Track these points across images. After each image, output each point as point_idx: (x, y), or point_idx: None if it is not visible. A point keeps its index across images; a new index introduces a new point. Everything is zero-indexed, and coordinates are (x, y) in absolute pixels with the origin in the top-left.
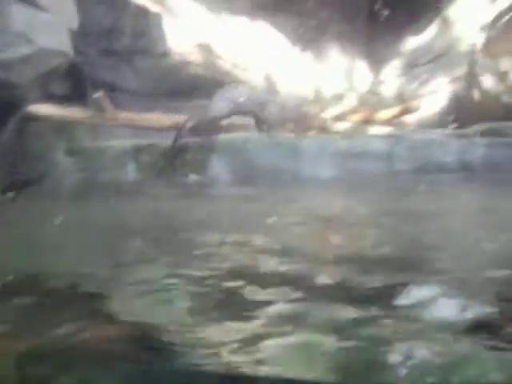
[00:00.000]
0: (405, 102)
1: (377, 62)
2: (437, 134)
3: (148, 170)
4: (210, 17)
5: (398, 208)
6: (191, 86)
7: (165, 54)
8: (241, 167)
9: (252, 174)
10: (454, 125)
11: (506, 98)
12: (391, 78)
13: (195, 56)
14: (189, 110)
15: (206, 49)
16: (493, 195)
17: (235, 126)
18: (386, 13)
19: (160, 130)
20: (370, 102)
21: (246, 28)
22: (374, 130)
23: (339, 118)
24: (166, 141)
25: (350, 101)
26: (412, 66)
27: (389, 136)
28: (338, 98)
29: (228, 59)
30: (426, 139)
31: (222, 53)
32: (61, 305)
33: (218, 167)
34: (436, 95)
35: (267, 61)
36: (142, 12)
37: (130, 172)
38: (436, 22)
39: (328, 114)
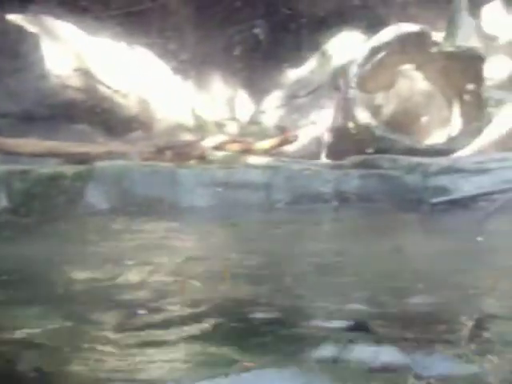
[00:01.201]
0: (284, 133)
1: (258, 92)
2: (314, 164)
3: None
4: (90, 41)
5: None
6: (69, 110)
7: (42, 76)
8: (118, 196)
9: (129, 203)
10: (331, 156)
11: (378, 132)
12: (272, 108)
13: (74, 80)
14: (67, 135)
15: (85, 73)
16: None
17: (114, 153)
18: (267, 45)
19: (33, 156)
20: (251, 132)
21: (127, 54)
22: (253, 159)
23: (219, 147)
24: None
25: (231, 130)
26: (292, 97)
27: (267, 166)
28: (219, 126)
29: (108, 85)
30: (303, 170)
31: (102, 78)
32: None
33: (95, 196)
34: (314, 126)
35: (148, 88)
36: (18, 32)
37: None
38: (315, 55)
39: (208, 142)
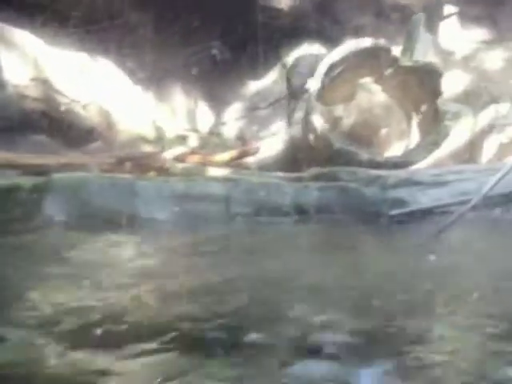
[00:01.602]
0: (245, 144)
1: (219, 103)
2: (274, 176)
3: None
4: (49, 50)
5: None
6: (27, 120)
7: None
8: (76, 208)
9: (88, 215)
10: (291, 169)
11: (337, 144)
12: (233, 119)
13: (32, 90)
14: (24, 146)
15: (44, 83)
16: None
17: (73, 165)
18: (227, 56)
19: None
20: (212, 143)
21: (88, 64)
22: (214, 171)
23: (179, 159)
24: None
25: (192, 141)
26: (253, 108)
27: (227, 179)
28: (180, 138)
29: (68, 95)
30: (262, 182)
31: (62, 88)
32: None
33: (53, 208)
34: (275, 138)
35: (108, 99)
36: None
37: None
38: (276, 67)
39: (168, 154)
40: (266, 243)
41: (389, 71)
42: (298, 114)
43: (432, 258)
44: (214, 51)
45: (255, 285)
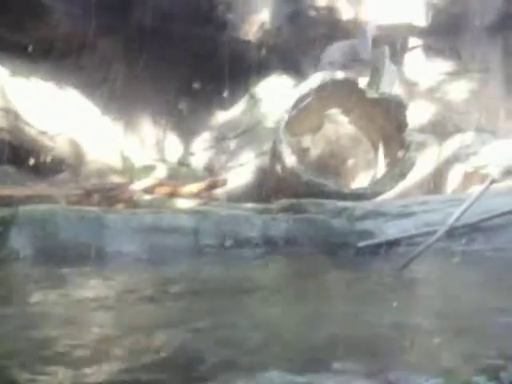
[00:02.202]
0: (214, 175)
1: (187, 133)
2: (243, 208)
3: None
4: (16, 80)
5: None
6: None
7: None
8: (43, 241)
9: (54, 249)
10: (259, 200)
11: (305, 176)
12: (201, 150)
13: None
14: None
15: (10, 113)
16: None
17: (39, 196)
18: (196, 86)
19: None
20: (180, 174)
21: (56, 95)
22: (182, 203)
23: (148, 190)
24: None
25: (160, 172)
26: (221, 139)
27: (195, 211)
28: (148, 169)
29: (35, 126)
30: (231, 214)
31: (28, 118)
32: None
33: (19, 241)
34: (243, 169)
35: (76, 129)
36: None
37: None
38: (244, 98)
39: (137, 186)
40: (231, 278)
41: (355, 103)
42: (267, 145)
43: (394, 304)
44: (182, 105)
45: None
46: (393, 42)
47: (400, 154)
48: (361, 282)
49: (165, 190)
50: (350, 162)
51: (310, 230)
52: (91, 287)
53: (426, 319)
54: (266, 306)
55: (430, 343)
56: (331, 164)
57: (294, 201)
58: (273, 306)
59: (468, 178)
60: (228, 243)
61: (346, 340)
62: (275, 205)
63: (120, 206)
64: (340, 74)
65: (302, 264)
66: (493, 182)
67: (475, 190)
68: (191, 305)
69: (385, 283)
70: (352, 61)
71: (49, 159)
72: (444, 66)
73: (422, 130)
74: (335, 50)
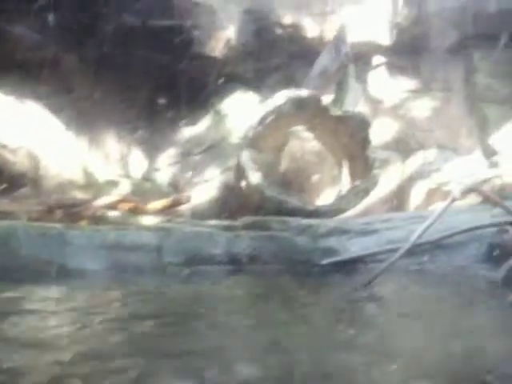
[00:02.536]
0: (179, 191)
1: (152, 149)
2: (206, 225)
3: None
4: None
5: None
6: None
7: None
8: (3, 259)
9: (15, 266)
10: (224, 216)
11: (269, 193)
12: (166, 165)
13: None
14: None
15: None
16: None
17: (1, 212)
18: (161, 102)
19: None
20: (145, 190)
21: (17, 109)
22: (146, 220)
23: (111, 206)
24: None
25: (124, 188)
26: (186, 154)
27: (159, 228)
28: (112, 184)
29: None
30: (195, 232)
31: None
32: None
33: None
34: (208, 185)
35: (38, 143)
36: None
37: None
38: (210, 114)
39: (100, 202)
40: (191, 298)
41: (320, 120)
42: (232, 161)
43: (351, 331)
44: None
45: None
46: (357, 60)
47: (364, 171)
48: (320, 302)
49: (128, 206)
50: (315, 178)
51: (274, 248)
52: (49, 309)
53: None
54: (215, 333)
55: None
56: (296, 180)
57: (257, 218)
58: (220, 334)
59: (431, 195)
60: (191, 261)
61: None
62: (239, 222)
63: (83, 223)
64: (304, 92)
65: (264, 283)
66: (454, 200)
67: (438, 206)
68: (151, 329)
69: (344, 304)
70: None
71: (9, 173)
72: (407, 84)
73: (385, 146)
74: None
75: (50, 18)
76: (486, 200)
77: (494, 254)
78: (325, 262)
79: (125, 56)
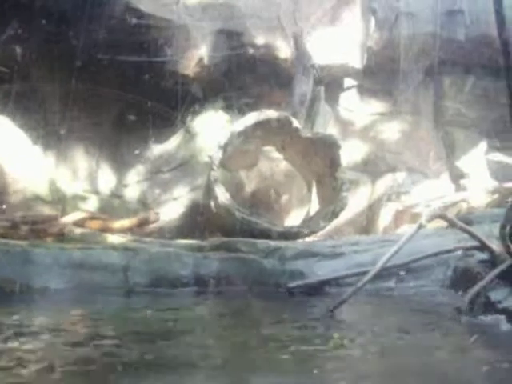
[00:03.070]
0: (147, 208)
1: (121, 165)
2: (174, 245)
3: None
4: None
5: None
6: None
7: None
8: None
9: None
10: (192, 235)
11: (238, 214)
12: (135, 182)
13: None
14: None
15: None
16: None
17: None
18: (132, 119)
19: None
20: (113, 206)
21: None
22: (113, 238)
23: (78, 223)
24: None
25: (92, 204)
26: (156, 172)
27: (126, 248)
28: (80, 200)
29: None
30: (162, 252)
31: None
32: None
33: None
34: (177, 203)
35: (4, 158)
36: None
37: None
38: (180, 132)
39: (67, 219)
40: (154, 320)
41: (290, 141)
42: (201, 179)
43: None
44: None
45: None
46: (328, 82)
47: (333, 192)
48: (281, 326)
49: (96, 224)
50: (284, 198)
51: (242, 270)
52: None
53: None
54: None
55: None
56: (265, 200)
57: (225, 239)
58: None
59: (399, 217)
60: (158, 282)
61: None
62: (207, 242)
63: (49, 240)
64: (274, 113)
65: (228, 306)
66: (420, 227)
67: (405, 231)
68: (111, 354)
69: (307, 331)
70: None
71: None
72: (377, 106)
73: (354, 168)
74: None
75: (18, 49)
76: (452, 226)
77: (460, 278)
78: (292, 285)
79: (97, 70)
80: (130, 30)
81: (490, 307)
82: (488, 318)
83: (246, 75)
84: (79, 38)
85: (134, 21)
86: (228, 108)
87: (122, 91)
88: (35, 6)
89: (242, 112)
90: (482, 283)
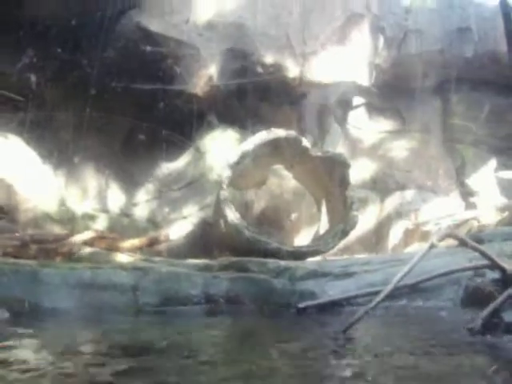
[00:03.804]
0: (156, 226)
1: (131, 184)
2: (183, 265)
3: None
4: None
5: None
6: None
7: None
8: None
9: None
10: (202, 252)
11: (248, 233)
12: (144, 201)
13: None
14: None
15: None
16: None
17: None
18: (141, 138)
19: None
20: (122, 224)
21: None
22: (122, 258)
23: (88, 243)
24: None
25: (102, 222)
26: (165, 190)
27: (135, 267)
28: (89, 218)
29: None
30: (172, 272)
31: None
32: None
33: None
34: (186, 221)
35: (15, 176)
36: None
37: None
38: (190, 150)
39: (77, 238)
40: (166, 342)
41: (299, 160)
42: (211, 198)
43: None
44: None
45: None
46: (338, 100)
47: (343, 211)
48: (290, 347)
49: (105, 243)
50: (294, 216)
51: (252, 290)
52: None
53: None
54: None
55: None
56: (274, 218)
57: (235, 259)
58: None
59: (409, 235)
60: (168, 302)
61: None
62: (216, 262)
63: (58, 259)
64: (283, 132)
65: (238, 324)
66: (432, 246)
67: (416, 248)
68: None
69: (319, 353)
70: None
71: None
72: (386, 124)
73: (363, 185)
74: None
75: (32, 78)
76: (463, 245)
77: (471, 297)
78: (302, 305)
79: (107, 91)
80: (144, 57)
81: (504, 328)
82: (502, 339)
83: (255, 94)
84: (93, 66)
85: (149, 48)
86: (237, 126)
87: (131, 110)
88: (50, 34)
89: (250, 130)
90: (495, 303)
